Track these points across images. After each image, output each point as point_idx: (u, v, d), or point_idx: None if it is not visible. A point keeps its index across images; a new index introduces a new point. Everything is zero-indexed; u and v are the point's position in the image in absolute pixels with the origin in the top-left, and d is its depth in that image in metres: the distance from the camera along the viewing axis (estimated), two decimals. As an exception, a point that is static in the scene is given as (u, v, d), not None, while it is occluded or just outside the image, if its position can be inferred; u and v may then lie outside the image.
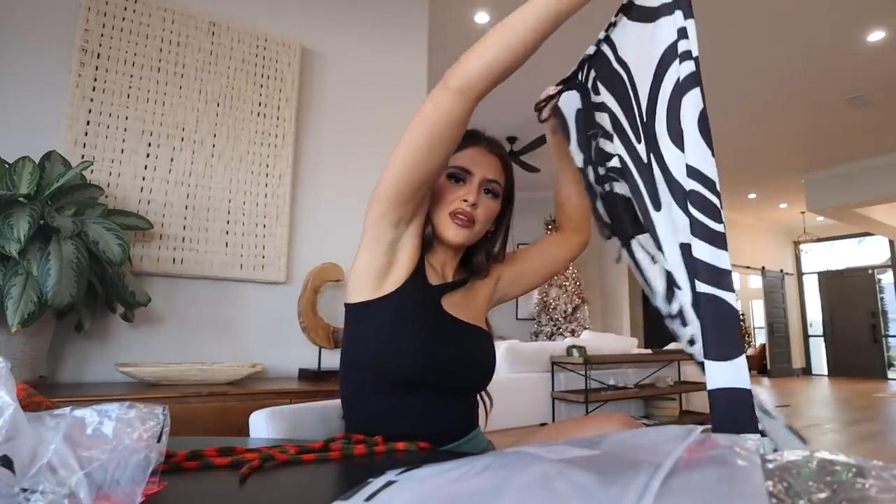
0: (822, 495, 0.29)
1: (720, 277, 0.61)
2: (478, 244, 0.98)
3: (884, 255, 9.76)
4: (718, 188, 0.63)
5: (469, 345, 0.92)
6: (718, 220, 0.62)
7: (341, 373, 0.91)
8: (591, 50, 0.90)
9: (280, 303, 2.16)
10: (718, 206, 0.63)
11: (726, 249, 0.61)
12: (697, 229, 0.63)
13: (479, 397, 0.99)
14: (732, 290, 0.61)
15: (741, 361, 0.58)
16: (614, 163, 0.86)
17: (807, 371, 10.65)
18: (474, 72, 0.73)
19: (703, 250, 0.62)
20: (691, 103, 0.65)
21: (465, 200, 0.90)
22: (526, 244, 1.18)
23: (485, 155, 0.94)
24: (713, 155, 0.64)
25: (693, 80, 0.66)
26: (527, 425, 3.97)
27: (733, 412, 0.57)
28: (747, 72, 4.59)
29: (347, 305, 0.89)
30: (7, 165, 1.52)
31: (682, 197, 0.67)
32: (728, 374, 0.58)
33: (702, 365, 0.63)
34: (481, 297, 1.00)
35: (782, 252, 10.76)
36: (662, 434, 0.41)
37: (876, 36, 4.04)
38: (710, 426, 0.40)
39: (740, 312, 10.48)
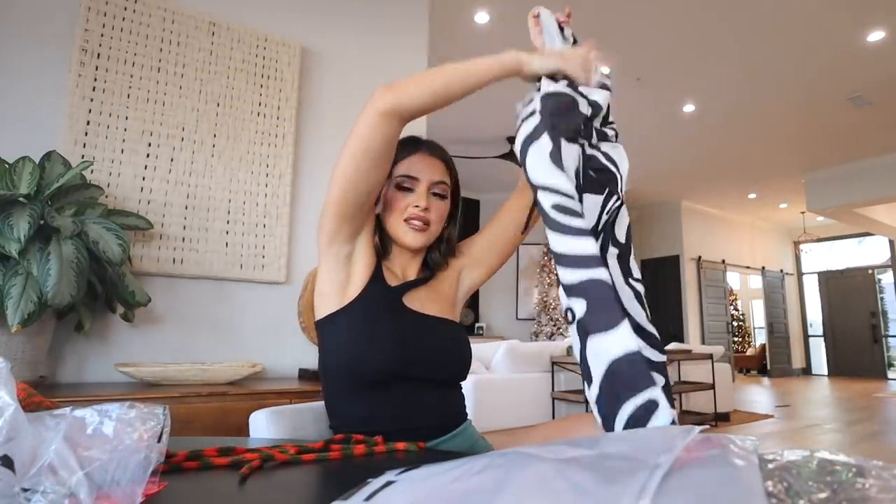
0: (822, 495, 0.29)
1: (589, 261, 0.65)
2: (433, 243, 1.02)
3: (884, 255, 9.75)
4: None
5: (437, 336, 0.94)
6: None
7: (322, 384, 0.94)
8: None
9: (280, 303, 2.16)
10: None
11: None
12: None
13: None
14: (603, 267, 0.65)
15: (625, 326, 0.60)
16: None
17: (807, 371, 10.65)
18: (408, 101, 0.82)
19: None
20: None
21: (417, 206, 0.95)
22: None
23: (427, 159, 0.98)
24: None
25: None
26: (526, 426, 3.96)
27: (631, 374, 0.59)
28: (747, 72, 4.59)
29: (317, 322, 0.93)
30: (7, 165, 1.52)
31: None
32: (618, 341, 0.60)
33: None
34: (447, 292, 1.03)
35: (782, 252, 10.76)
36: (661, 434, 0.41)
37: (876, 36, 4.03)
38: (708, 426, 0.40)
39: (740, 313, 10.37)
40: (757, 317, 12.69)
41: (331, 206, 0.88)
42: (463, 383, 1.00)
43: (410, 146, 0.99)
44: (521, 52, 0.85)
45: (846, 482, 0.30)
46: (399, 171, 0.96)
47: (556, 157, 0.72)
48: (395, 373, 0.87)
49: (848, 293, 10.12)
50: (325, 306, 0.91)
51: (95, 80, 1.86)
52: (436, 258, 1.03)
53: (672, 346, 4.99)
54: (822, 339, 10.53)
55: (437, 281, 1.03)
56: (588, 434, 0.83)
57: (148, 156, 1.94)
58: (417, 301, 0.96)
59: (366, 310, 0.90)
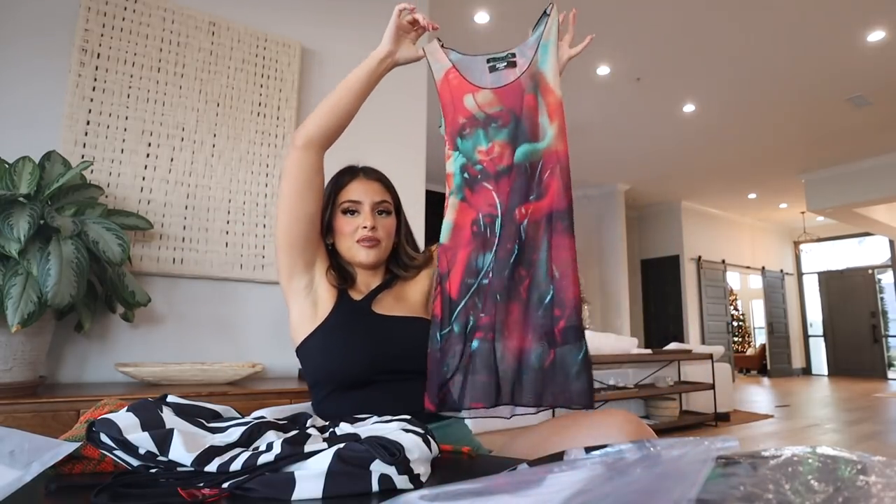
0: (824, 492, 0.29)
1: None
2: (391, 254, 1.12)
3: (884, 255, 9.75)
4: None
5: (407, 333, 1.01)
6: None
7: (311, 396, 1.02)
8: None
9: (280, 303, 2.15)
10: None
11: None
12: None
13: None
14: None
15: None
16: None
17: (807, 371, 10.64)
18: (314, 131, 0.97)
19: None
20: None
21: (365, 227, 1.04)
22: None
23: (365, 183, 1.09)
24: None
25: None
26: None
27: None
28: (747, 72, 4.59)
29: (297, 350, 1.02)
30: (7, 165, 1.52)
31: None
32: None
33: None
34: (418, 294, 1.12)
35: (782, 252, 10.75)
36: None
37: (876, 36, 4.03)
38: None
39: (740, 313, 10.38)
40: (757, 317, 12.67)
41: (281, 241, 0.98)
42: None
43: (348, 175, 1.10)
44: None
45: (848, 479, 0.30)
46: (342, 198, 1.06)
47: None
48: (372, 371, 0.93)
49: (848, 293, 10.10)
50: (301, 334, 1.00)
51: (95, 80, 1.86)
52: (401, 263, 1.12)
53: (672, 345, 4.99)
54: (822, 339, 10.52)
55: (404, 288, 1.12)
56: (582, 432, 0.83)
57: (148, 156, 1.94)
58: (386, 306, 1.05)
59: (337, 323, 0.98)
